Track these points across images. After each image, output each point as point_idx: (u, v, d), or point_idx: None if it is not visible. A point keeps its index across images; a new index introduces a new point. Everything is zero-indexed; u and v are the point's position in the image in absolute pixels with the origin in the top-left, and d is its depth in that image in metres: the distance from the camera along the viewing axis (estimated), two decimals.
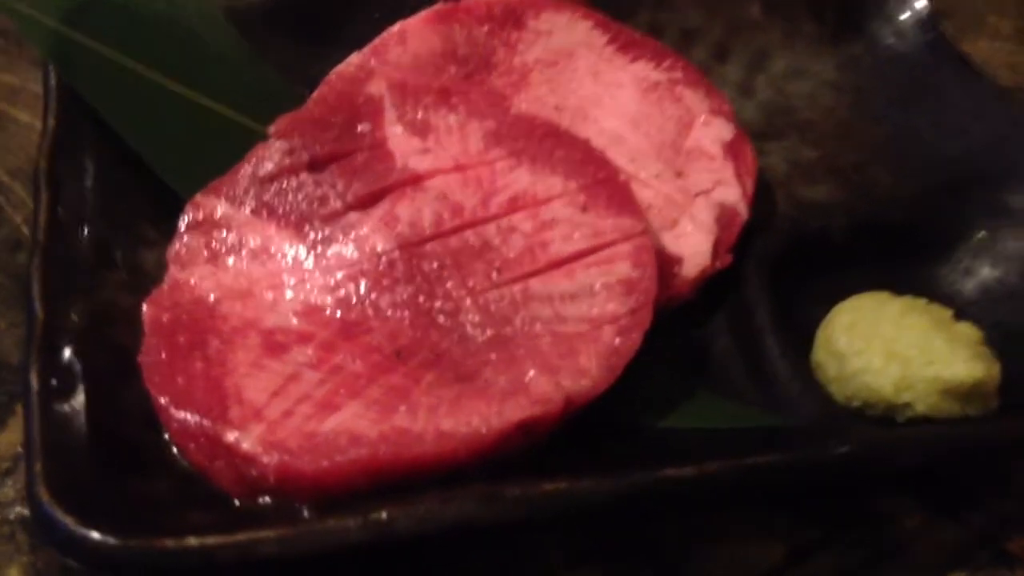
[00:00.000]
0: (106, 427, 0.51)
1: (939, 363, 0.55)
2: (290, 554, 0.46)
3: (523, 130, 0.60)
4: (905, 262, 0.64)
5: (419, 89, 0.61)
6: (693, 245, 0.61)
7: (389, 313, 0.54)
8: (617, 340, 0.54)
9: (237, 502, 0.50)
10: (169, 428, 0.51)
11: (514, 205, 0.57)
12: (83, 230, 0.57)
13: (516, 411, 0.51)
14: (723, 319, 0.61)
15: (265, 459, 0.48)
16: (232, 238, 0.56)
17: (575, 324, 0.54)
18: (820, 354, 0.58)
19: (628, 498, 0.49)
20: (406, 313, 0.54)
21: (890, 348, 0.56)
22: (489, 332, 0.54)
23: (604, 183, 0.58)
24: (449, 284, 0.55)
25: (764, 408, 0.57)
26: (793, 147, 0.72)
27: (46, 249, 0.55)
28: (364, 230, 0.56)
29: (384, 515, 0.47)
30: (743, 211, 0.63)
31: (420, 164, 0.58)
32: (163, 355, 0.52)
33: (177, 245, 0.56)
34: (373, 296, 0.54)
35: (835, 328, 0.58)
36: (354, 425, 0.50)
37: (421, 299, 0.54)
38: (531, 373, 0.52)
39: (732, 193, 0.64)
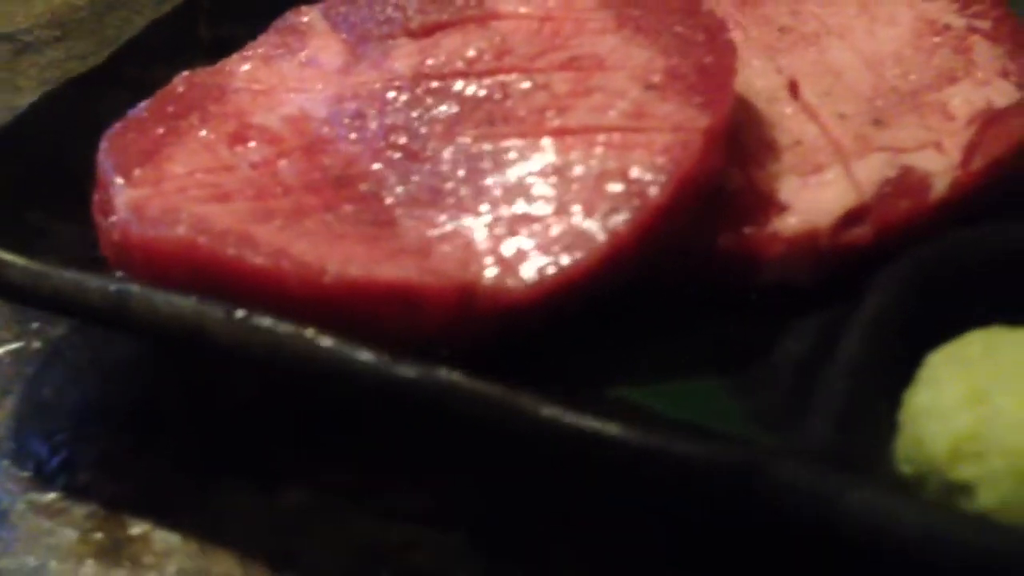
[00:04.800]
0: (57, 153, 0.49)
1: None
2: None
3: (654, 2, 0.46)
4: None
5: None
6: (818, 199, 0.41)
7: (361, 139, 0.44)
8: (556, 247, 0.38)
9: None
10: (96, 178, 0.47)
11: (568, 65, 0.44)
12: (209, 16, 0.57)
13: (389, 270, 0.38)
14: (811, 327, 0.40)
15: (118, 216, 0.42)
16: (299, 43, 0.50)
17: (528, 207, 0.39)
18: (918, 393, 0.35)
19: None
20: (376, 144, 0.44)
21: (975, 385, 0.32)
22: (445, 187, 0.41)
23: (702, 70, 0.42)
24: (437, 126, 0.43)
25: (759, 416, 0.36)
26: None
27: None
28: (399, 54, 0.47)
29: (129, 288, 0.38)
30: (940, 189, 0.41)
31: (506, 6, 0.47)
32: (145, 114, 0.48)
33: (257, 40, 0.52)
34: (358, 120, 0.45)
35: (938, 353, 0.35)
36: (216, 216, 0.41)
37: (397, 134, 0.44)
38: (447, 245, 0.39)
39: (937, 163, 0.42)
